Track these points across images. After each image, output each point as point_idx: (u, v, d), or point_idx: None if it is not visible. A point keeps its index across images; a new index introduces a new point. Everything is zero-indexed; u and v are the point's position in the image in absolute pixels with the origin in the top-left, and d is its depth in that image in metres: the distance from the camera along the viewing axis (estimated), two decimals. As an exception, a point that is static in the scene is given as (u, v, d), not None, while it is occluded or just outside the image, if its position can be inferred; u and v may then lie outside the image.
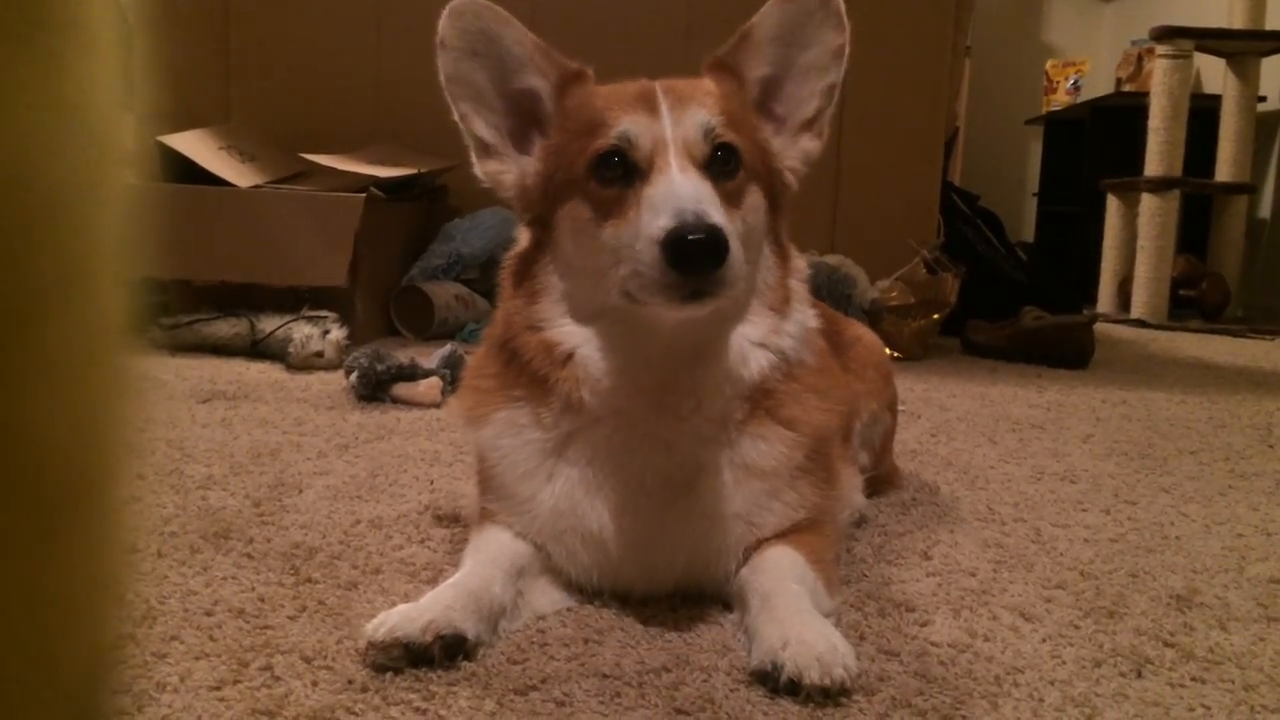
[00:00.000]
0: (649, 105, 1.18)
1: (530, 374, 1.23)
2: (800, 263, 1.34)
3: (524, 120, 1.28)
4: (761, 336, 1.23)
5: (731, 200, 1.17)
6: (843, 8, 1.26)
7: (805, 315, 1.30)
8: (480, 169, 1.28)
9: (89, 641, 0.51)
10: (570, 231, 1.21)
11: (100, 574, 0.51)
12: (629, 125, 1.16)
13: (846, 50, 1.28)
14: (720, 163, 1.17)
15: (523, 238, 1.31)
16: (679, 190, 1.09)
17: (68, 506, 0.47)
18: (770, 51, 1.28)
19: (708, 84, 1.25)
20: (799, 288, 1.31)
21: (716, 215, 1.07)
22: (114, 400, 0.50)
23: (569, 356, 1.21)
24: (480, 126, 1.26)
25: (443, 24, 1.22)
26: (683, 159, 1.14)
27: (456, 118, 1.25)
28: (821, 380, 1.31)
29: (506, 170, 1.27)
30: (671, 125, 1.16)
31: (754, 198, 1.22)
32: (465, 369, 1.43)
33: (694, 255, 1.04)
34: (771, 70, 1.29)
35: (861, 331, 1.88)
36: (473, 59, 1.23)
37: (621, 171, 1.15)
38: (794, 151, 1.30)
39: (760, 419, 1.24)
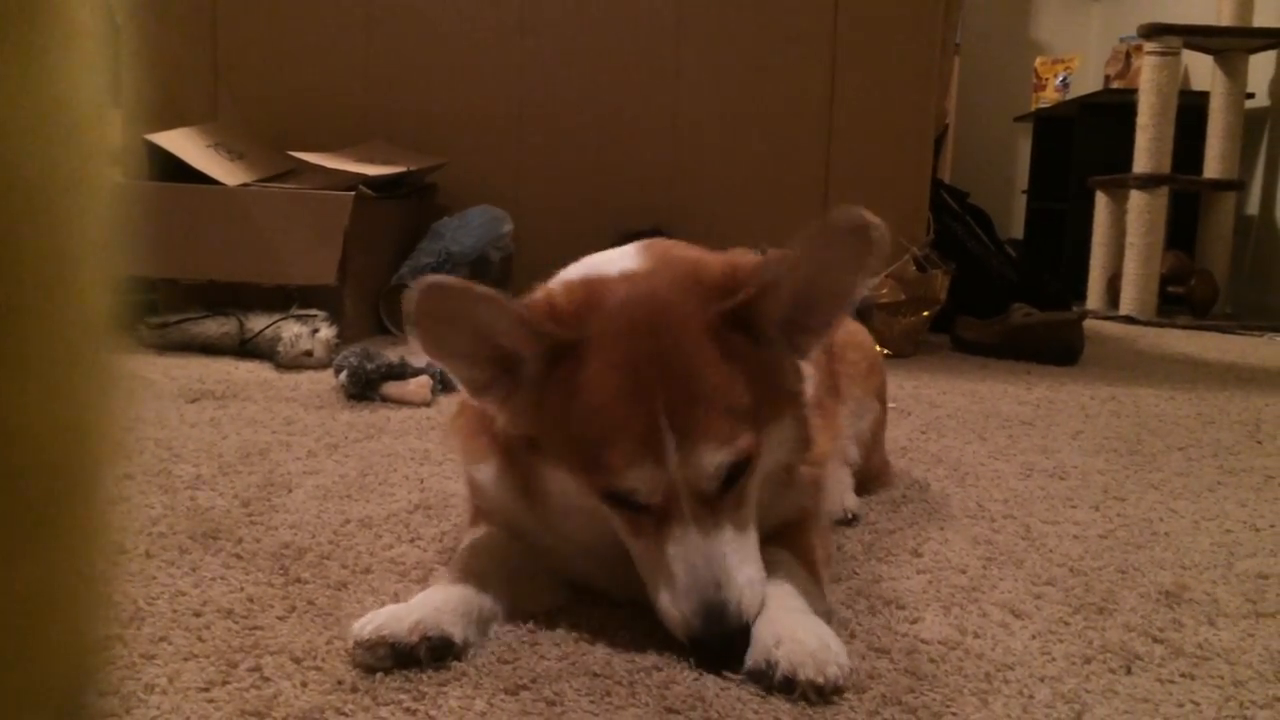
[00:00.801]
0: (654, 451, 1.06)
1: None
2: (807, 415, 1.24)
3: (508, 371, 1.15)
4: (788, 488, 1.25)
5: (740, 500, 1.12)
6: (886, 244, 1.10)
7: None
8: (474, 401, 1.20)
9: (74, 641, 0.50)
10: (585, 509, 1.14)
11: (85, 573, 0.50)
12: (636, 483, 1.07)
13: (876, 270, 1.14)
14: (731, 480, 1.10)
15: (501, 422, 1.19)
16: (698, 570, 1.07)
17: (51, 504, 0.47)
18: (793, 296, 1.13)
19: (716, 376, 1.09)
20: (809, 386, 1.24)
21: (735, 587, 1.08)
22: (98, 398, 0.50)
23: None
24: (467, 373, 1.16)
25: (414, 302, 1.07)
26: (695, 504, 1.08)
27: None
28: (820, 415, 1.30)
29: (494, 405, 1.18)
30: (682, 477, 1.07)
31: (769, 447, 1.14)
32: (460, 405, 1.36)
33: (717, 661, 1.08)
34: (792, 313, 1.15)
35: (852, 327, 1.87)
36: (449, 325, 1.11)
37: (634, 504, 1.10)
38: (792, 372, 1.20)
39: None
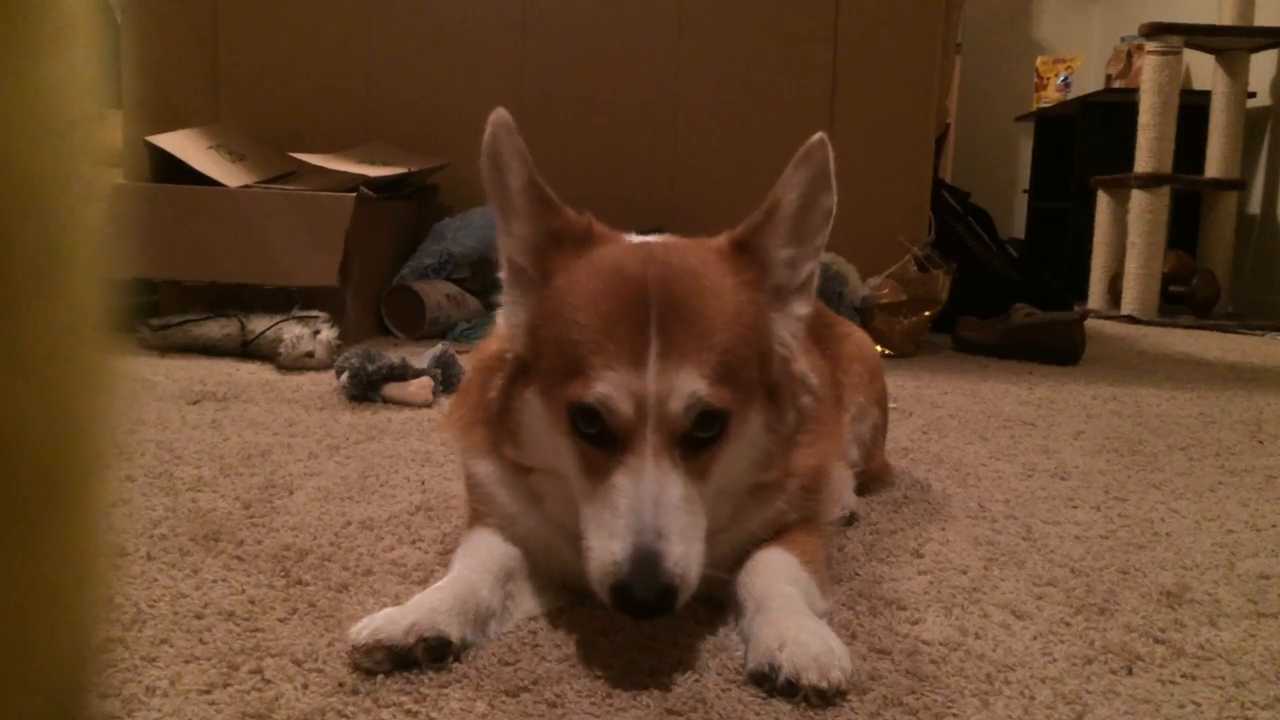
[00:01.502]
0: (635, 354, 1.06)
1: None
2: (792, 416, 1.25)
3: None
4: (764, 508, 1.24)
5: (703, 471, 1.10)
6: (833, 168, 1.18)
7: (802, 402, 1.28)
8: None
9: (70, 643, 0.50)
10: (545, 428, 1.14)
11: (81, 572, 0.50)
12: (610, 390, 1.05)
13: (834, 212, 1.19)
14: (701, 429, 1.08)
15: (504, 334, 1.23)
16: (643, 507, 1.03)
17: (44, 503, 0.46)
18: (791, 225, 1.18)
19: (717, 304, 1.11)
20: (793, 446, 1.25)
21: (675, 550, 1.02)
22: (91, 396, 0.49)
23: (540, 498, 1.23)
24: (503, 243, 1.20)
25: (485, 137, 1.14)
26: (659, 436, 1.06)
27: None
28: (816, 430, 1.29)
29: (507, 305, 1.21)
30: (656, 392, 1.05)
31: (744, 424, 1.14)
32: (457, 397, 1.37)
33: (642, 610, 1.03)
34: (792, 249, 1.19)
35: (852, 329, 1.88)
36: (495, 175, 1.16)
37: (600, 431, 1.08)
38: (789, 322, 1.21)
39: None
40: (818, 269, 1.24)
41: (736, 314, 1.12)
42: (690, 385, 1.06)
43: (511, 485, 1.25)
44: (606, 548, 1.04)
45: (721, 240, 1.20)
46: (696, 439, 1.08)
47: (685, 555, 1.04)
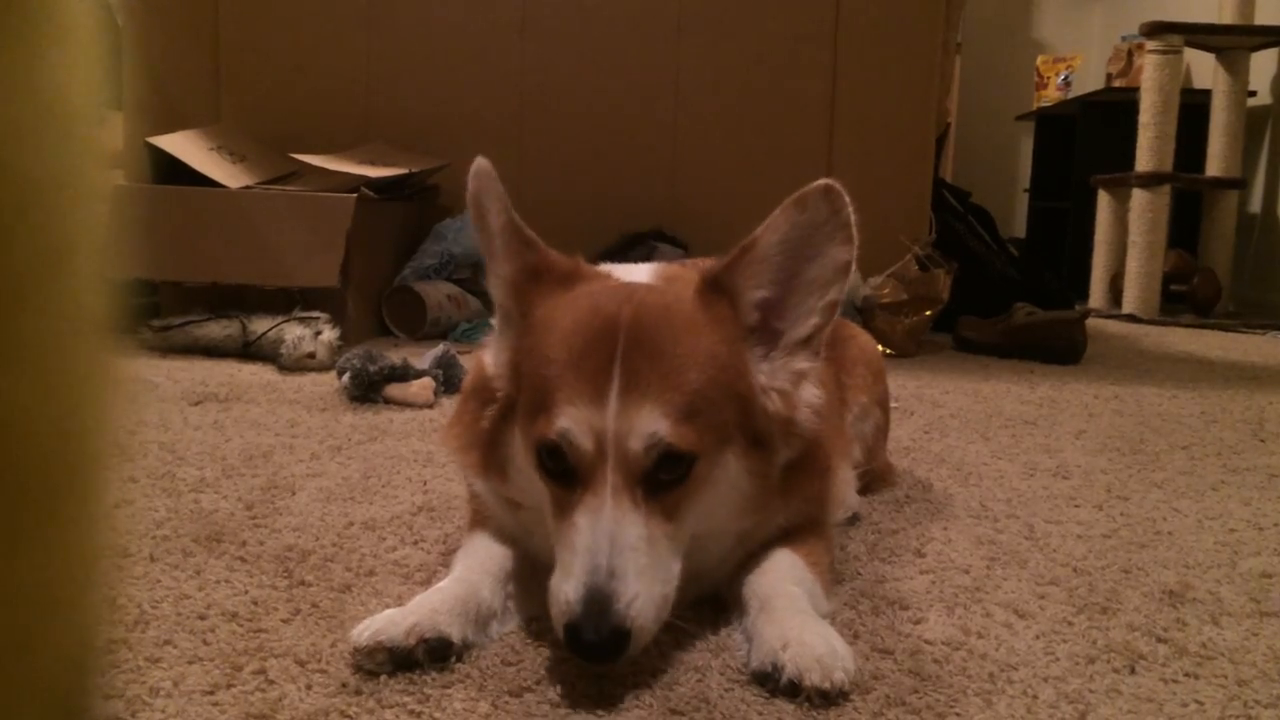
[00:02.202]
0: (597, 390, 1.04)
1: None
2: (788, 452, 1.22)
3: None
4: (739, 546, 1.23)
5: (674, 510, 1.07)
6: (853, 220, 1.12)
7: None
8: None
9: (72, 641, 0.50)
10: (532, 482, 1.14)
11: (83, 570, 0.50)
12: (570, 425, 1.04)
13: (853, 267, 1.14)
14: (667, 471, 1.06)
15: (493, 372, 1.23)
16: (597, 546, 1.02)
17: (46, 501, 0.46)
18: (772, 267, 1.14)
19: (684, 343, 1.09)
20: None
21: (628, 590, 1.00)
22: (93, 394, 0.50)
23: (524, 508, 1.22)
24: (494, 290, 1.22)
25: (469, 183, 1.16)
26: (619, 476, 1.04)
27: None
28: (813, 456, 1.27)
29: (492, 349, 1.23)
30: (615, 431, 1.04)
31: (721, 470, 1.11)
32: (455, 413, 1.36)
33: (591, 652, 1.00)
34: (774, 291, 1.15)
35: (854, 331, 1.89)
36: (478, 219, 1.18)
37: (562, 468, 1.07)
38: (784, 375, 1.17)
39: None
40: (828, 327, 1.17)
41: (709, 355, 1.09)
42: (651, 425, 1.04)
43: (508, 509, 1.26)
44: (561, 588, 1.02)
45: (696, 277, 1.18)
46: (660, 480, 1.06)
47: (640, 598, 1.01)
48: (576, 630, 0.99)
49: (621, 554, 1.02)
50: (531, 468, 1.12)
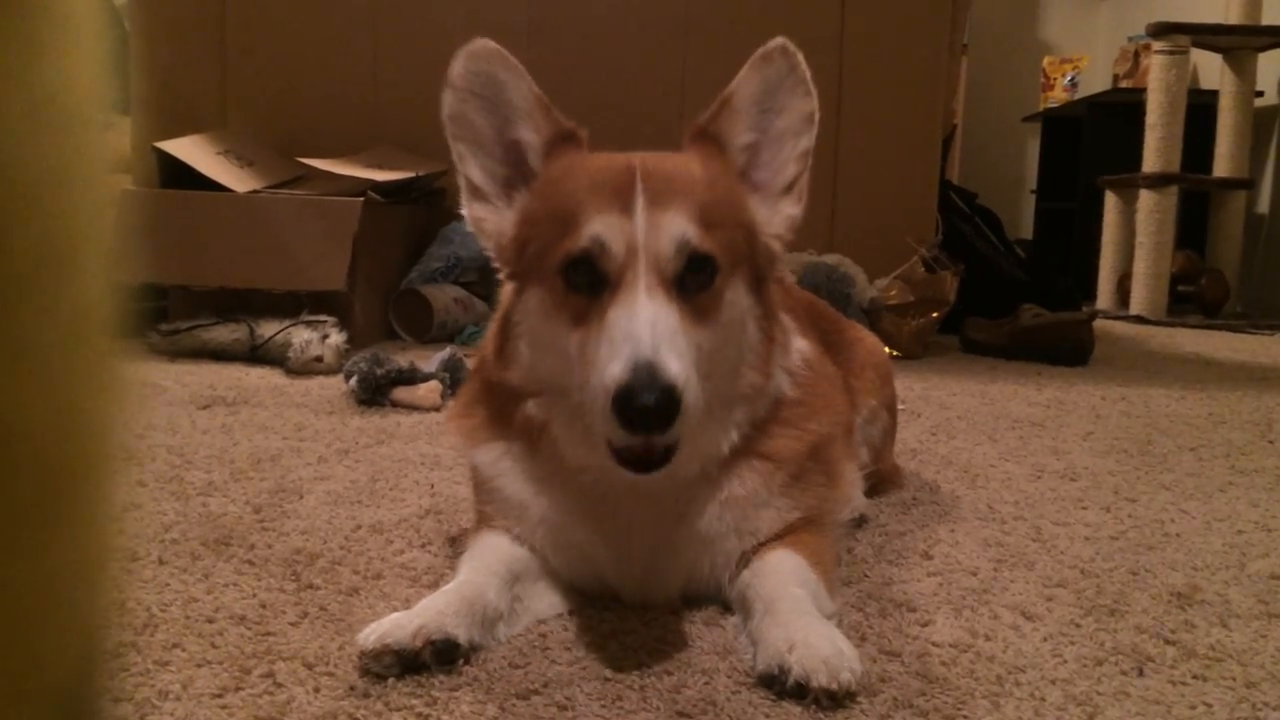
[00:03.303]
0: (624, 202, 1.12)
1: (511, 417, 1.25)
2: (786, 321, 1.32)
3: (514, 170, 1.27)
4: (735, 420, 1.23)
5: (703, 315, 1.12)
6: (808, 75, 1.25)
7: (791, 358, 1.31)
8: (467, 211, 1.27)
9: (78, 644, 0.50)
10: (539, 318, 1.18)
11: (91, 574, 0.50)
12: (601, 229, 1.11)
13: (816, 116, 1.26)
14: (694, 274, 1.12)
15: (504, 294, 1.29)
16: (639, 330, 1.04)
17: (50, 503, 0.47)
18: (750, 117, 1.26)
19: (691, 169, 1.20)
20: (781, 352, 1.29)
21: (674, 367, 1.02)
22: (97, 395, 0.50)
23: (544, 425, 1.22)
24: (474, 169, 1.25)
25: (455, 63, 1.23)
26: (652, 275, 1.09)
27: (454, 157, 1.26)
28: (804, 408, 1.30)
29: (489, 219, 1.26)
30: (645, 232, 1.10)
31: (734, 293, 1.18)
32: (458, 395, 1.41)
33: (643, 418, 1.01)
34: (753, 136, 1.27)
35: (862, 333, 1.89)
36: (476, 100, 1.24)
37: (590, 279, 1.11)
38: (778, 220, 1.27)
39: (739, 457, 1.25)
40: (805, 173, 1.28)
41: (715, 179, 1.21)
42: (679, 228, 1.12)
43: (515, 470, 1.26)
44: (605, 373, 1.03)
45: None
46: (688, 284, 1.12)
47: (686, 373, 1.03)
48: (628, 394, 1.00)
49: (664, 336, 1.05)
50: (551, 315, 1.15)
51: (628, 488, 1.20)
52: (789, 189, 1.28)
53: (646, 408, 0.99)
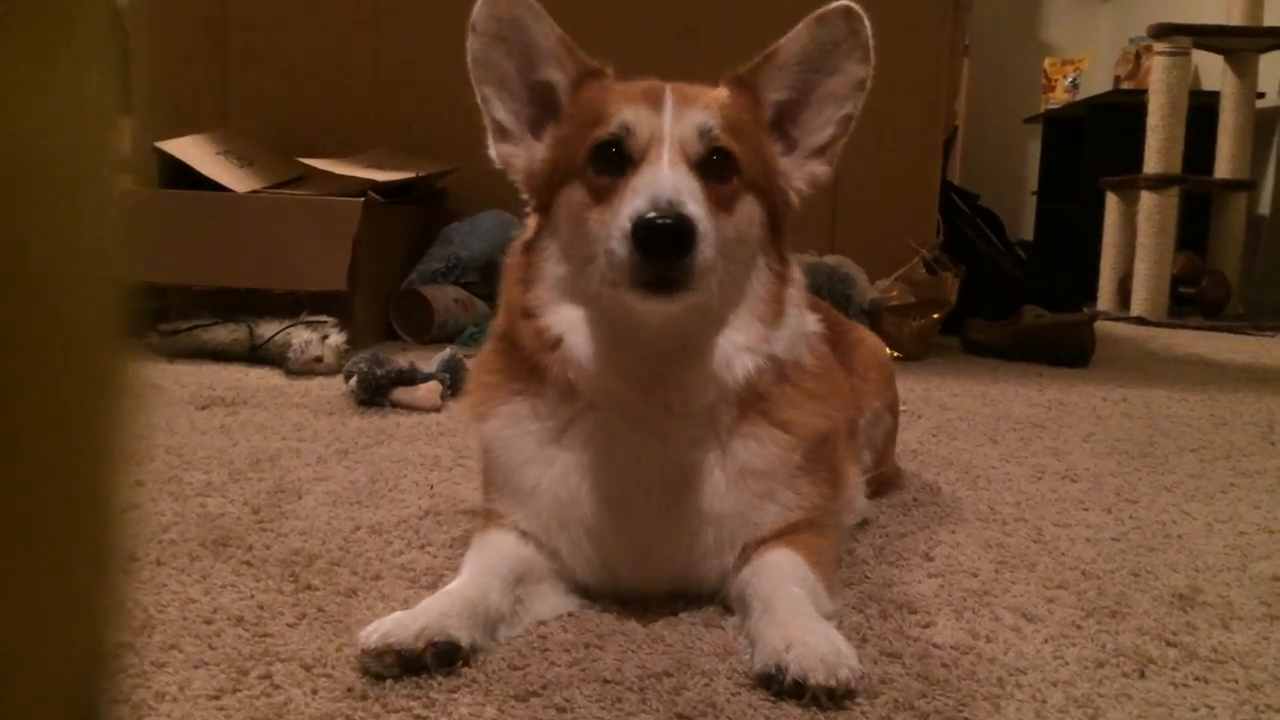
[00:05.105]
0: (653, 101, 1.20)
1: (527, 362, 1.25)
2: (798, 273, 1.34)
3: (541, 109, 1.31)
4: (749, 343, 1.23)
5: (721, 204, 1.18)
6: (870, 41, 1.28)
7: (802, 321, 1.31)
8: (494, 151, 1.31)
9: (85, 649, 0.50)
10: (566, 216, 1.23)
11: (95, 577, 0.50)
12: (629, 115, 1.18)
13: (869, 84, 1.29)
14: (714, 165, 1.18)
15: (528, 227, 1.33)
16: (659, 180, 1.11)
17: (58, 508, 0.46)
18: (792, 75, 1.29)
19: (720, 92, 1.26)
20: (795, 295, 1.30)
21: (692, 207, 1.09)
22: (105, 400, 0.49)
23: (558, 341, 1.22)
24: (499, 110, 1.29)
25: (477, 8, 1.25)
26: (675, 154, 1.16)
27: (479, 100, 1.29)
28: (820, 384, 1.31)
29: (519, 154, 1.30)
30: (671, 121, 1.18)
31: (748, 206, 1.23)
32: (471, 366, 1.44)
33: (660, 241, 1.06)
34: (790, 94, 1.30)
35: (864, 334, 1.88)
36: (501, 44, 1.27)
37: (617, 160, 1.17)
38: (801, 174, 1.31)
39: (753, 421, 1.25)
40: (844, 139, 1.31)
41: (742, 109, 1.25)
42: (702, 117, 1.18)
43: (521, 436, 1.26)
44: (628, 209, 1.09)
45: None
46: (710, 170, 1.17)
47: (703, 219, 1.09)
48: (647, 221, 1.07)
49: (681, 192, 1.11)
50: (578, 198, 1.20)
51: (635, 423, 1.21)
52: (821, 151, 1.31)
53: (665, 228, 1.06)
